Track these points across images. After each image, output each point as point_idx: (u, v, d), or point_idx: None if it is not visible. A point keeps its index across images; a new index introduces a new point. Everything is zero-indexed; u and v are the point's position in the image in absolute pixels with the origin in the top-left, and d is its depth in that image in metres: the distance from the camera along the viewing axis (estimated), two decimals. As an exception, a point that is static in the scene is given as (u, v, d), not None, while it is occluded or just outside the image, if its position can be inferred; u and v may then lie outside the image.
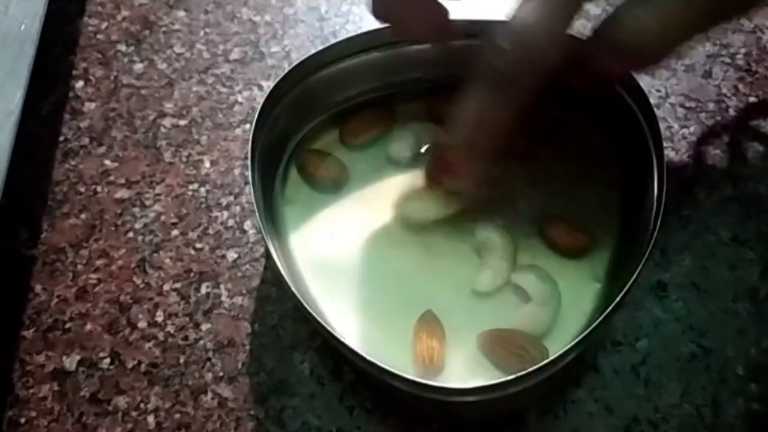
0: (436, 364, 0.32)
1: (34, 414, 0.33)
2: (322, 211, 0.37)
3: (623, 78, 0.35)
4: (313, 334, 0.34)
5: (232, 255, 0.37)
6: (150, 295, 0.36)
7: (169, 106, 0.41)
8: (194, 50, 0.43)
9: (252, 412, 0.33)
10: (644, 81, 0.41)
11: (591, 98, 0.38)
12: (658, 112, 0.40)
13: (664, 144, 0.33)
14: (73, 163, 0.40)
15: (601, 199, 0.36)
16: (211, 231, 0.38)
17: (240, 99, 0.42)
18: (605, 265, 0.34)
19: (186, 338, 0.35)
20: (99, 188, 0.39)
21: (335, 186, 0.37)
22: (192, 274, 0.36)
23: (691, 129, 0.40)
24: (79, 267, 0.37)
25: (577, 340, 0.29)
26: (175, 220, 0.38)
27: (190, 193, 0.39)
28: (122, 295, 0.36)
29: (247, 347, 0.34)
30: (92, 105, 0.42)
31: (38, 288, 0.36)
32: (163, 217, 0.38)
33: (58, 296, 0.36)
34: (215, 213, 0.38)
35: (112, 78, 0.43)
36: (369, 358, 0.29)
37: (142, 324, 0.35)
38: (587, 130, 0.38)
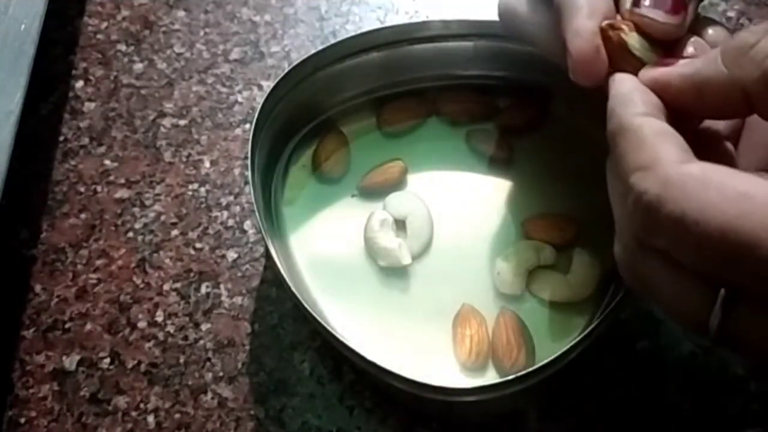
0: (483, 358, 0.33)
1: (34, 414, 0.33)
2: (322, 210, 0.37)
3: None
4: (313, 334, 0.34)
5: (232, 255, 0.37)
6: (150, 295, 0.36)
7: (169, 106, 0.41)
8: (194, 50, 0.43)
9: (252, 412, 0.33)
10: (644, 81, 0.41)
11: (591, 98, 0.38)
12: (658, 112, 0.40)
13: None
14: (73, 163, 0.40)
15: (601, 198, 0.36)
16: (211, 231, 0.38)
17: (240, 99, 0.42)
18: (606, 265, 0.34)
19: (186, 338, 0.35)
20: (99, 188, 0.39)
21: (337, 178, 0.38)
22: (192, 274, 0.36)
23: (691, 129, 0.40)
24: (79, 267, 0.37)
25: (577, 339, 0.29)
26: (175, 220, 0.38)
27: (190, 193, 0.39)
28: (122, 295, 0.36)
29: (247, 347, 0.34)
30: (92, 105, 0.42)
31: (38, 288, 0.36)
32: (163, 217, 0.38)
33: (58, 296, 0.36)
34: (215, 213, 0.38)
35: (112, 78, 0.43)
36: (369, 358, 0.29)
37: (142, 324, 0.35)
38: (587, 129, 0.38)
